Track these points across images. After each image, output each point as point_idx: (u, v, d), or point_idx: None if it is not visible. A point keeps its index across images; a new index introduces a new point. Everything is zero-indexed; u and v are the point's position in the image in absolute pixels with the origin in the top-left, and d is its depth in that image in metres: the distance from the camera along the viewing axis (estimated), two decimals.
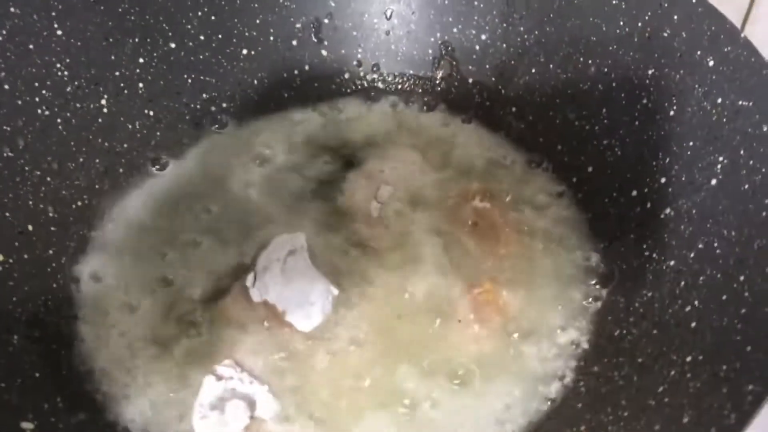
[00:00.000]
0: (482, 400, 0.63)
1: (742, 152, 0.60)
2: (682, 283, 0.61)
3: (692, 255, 0.61)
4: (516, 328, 0.67)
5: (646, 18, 0.70)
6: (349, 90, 0.88)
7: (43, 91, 0.72)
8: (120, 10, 0.77)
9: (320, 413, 0.62)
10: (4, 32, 0.69)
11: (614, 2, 0.72)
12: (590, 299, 0.69)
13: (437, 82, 0.86)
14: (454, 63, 0.85)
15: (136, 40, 0.79)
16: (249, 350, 0.65)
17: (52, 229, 0.71)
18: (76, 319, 0.69)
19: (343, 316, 0.67)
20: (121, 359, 0.66)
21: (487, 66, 0.83)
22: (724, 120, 0.62)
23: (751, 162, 0.59)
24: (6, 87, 0.69)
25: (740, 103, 0.61)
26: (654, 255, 0.66)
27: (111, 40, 0.77)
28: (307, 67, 0.87)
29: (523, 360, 0.65)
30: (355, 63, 0.87)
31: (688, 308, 0.59)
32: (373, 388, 0.63)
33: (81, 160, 0.75)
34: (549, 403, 0.63)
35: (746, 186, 0.59)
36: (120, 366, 0.65)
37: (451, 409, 0.63)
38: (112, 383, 0.64)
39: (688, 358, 0.54)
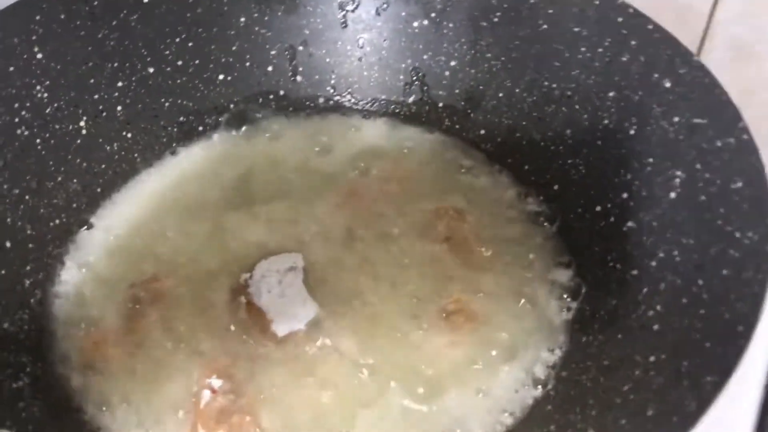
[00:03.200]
0: (454, 403, 0.64)
1: (698, 166, 0.63)
2: (645, 289, 0.63)
3: (654, 264, 0.64)
4: (486, 338, 0.68)
5: (606, 44, 0.74)
6: (323, 114, 0.90)
7: (23, 112, 0.73)
8: (100, 35, 0.78)
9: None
10: None
11: (575, 29, 0.76)
12: (559, 310, 0.71)
13: (408, 106, 0.89)
14: (425, 88, 0.88)
15: (116, 64, 0.80)
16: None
17: (30, 246, 0.72)
18: (53, 334, 0.69)
19: (320, 327, 0.68)
20: (99, 372, 0.66)
21: (457, 90, 0.86)
22: (681, 137, 0.66)
23: (707, 175, 0.62)
24: None
25: (695, 120, 0.65)
26: (618, 266, 0.68)
27: (90, 64, 0.78)
28: (282, 92, 0.89)
29: (494, 367, 0.66)
30: (328, 88, 0.90)
31: (650, 313, 0.61)
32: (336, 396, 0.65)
33: (59, 179, 0.76)
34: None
35: (703, 197, 0.62)
36: (98, 379, 0.66)
37: (421, 415, 0.64)
38: (90, 396, 0.65)
39: (652, 358, 0.56)
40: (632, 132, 0.71)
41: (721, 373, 0.48)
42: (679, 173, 0.65)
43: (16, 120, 0.73)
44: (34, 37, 0.74)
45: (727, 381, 0.48)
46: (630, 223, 0.69)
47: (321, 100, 0.90)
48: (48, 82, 0.75)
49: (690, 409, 0.47)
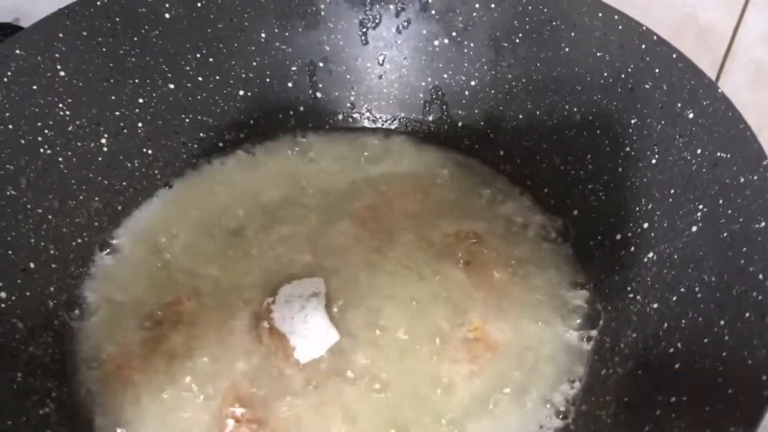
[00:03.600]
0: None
1: (720, 201, 0.63)
2: (665, 325, 0.64)
3: (674, 298, 0.64)
4: (506, 368, 0.69)
5: (629, 70, 0.73)
6: (342, 131, 0.90)
7: (46, 131, 0.73)
8: (121, 51, 0.79)
9: None
10: (9, 73, 0.70)
11: (598, 54, 0.76)
12: (579, 340, 0.71)
13: (428, 125, 0.89)
14: (444, 107, 0.88)
15: (136, 80, 0.80)
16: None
17: (53, 266, 0.73)
18: (76, 358, 0.70)
19: (342, 355, 0.69)
20: (120, 394, 0.67)
21: (476, 110, 0.86)
22: (704, 170, 0.66)
23: (729, 211, 0.62)
24: (10, 126, 0.70)
25: (718, 154, 0.65)
26: (638, 297, 0.69)
27: (112, 81, 0.79)
28: (302, 108, 0.89)
29: (513, 399, 0.67)
30: (348, 105, 0.90)
31: (671, 350, 0.61)
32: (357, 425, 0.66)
33: (81, 197, 0.77)
34: None
35: (725, 234, 0.62)
36: (120, 401, 0.66)
37: None
38: (113, 421, 0.66)
39: (673, 399, 0.57)
40: (654, 161, 0.71)
41: (747, 424, 0.49)
42: (701, 207, 0.65)
43: (39, 138, 0.73)
44: (57, 55, 0.74)
45: None
46: (650, 254, 0.69)
47: (340, 116, 0.90)
48: (70, 100, 0.75)
49: None
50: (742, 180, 0.62)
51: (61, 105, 0.75)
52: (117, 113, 0.80)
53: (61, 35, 0.74)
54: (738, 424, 0.49)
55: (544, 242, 0.78)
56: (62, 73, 0.75)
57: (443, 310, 0.72)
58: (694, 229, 0.65)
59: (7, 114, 0.70)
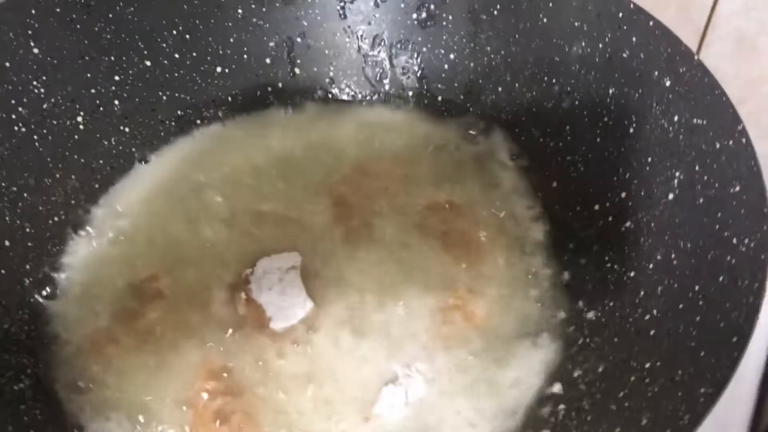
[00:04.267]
0: (449, 400, 0.65)
1: (696, 167, 0.63)
2: (642, 293, 0.64)
3: (651, 266, 0.64)
4: (482, 338, 0.69)
5: (606, 39, 0.73)
6: (321, 107, 0.89)
7: (20, 108, 0.73)
8: (96, 28, 0.78)
9: None
10: None
11: (576, 24, 0.75)
12: (556, 309, 0.71)
13: (407, 99, 0.89)
14: (424, 81, 0.87)
15: (112, 58, 0.80)
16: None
17: (29, 244, 0.72)
18: (52, 334, 0.70)
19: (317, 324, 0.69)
20: (95, 370, 0.67)
21: (456, 84, 0.86)
22: (681, 137, 0.65)
23: (705, 177, 0.62)
24: None
25: (695, 121, 0.64)
26: (615, 266, 0.68)
27: (87, 58, 0.78)
28: (280, 84, 0.88)
29: (491, 367, 0.67)
30: (327, 80, 0.89)
31: (647, 317, 0.61)
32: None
33: (57, 176, 0.76)
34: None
35: (701, 200, 0.62)
36: (98, 379, 0.66)
37: (419, 408, 0.65)
38: (90, 396, 0.65)
39: (647, 365, 0.57)
40: (631, 130, 0.71)
41: (715, 386, 0.48)
42: (677, 174, 0.65)
43: (13, 116, 0.72)
44: (30, 32, 0.73)
45: (720, 394, 0.48)
46: (628, 224, 0.69)
47: (319, 92, 0.90)
48: (44, 78, 0.75)
49: (683, 423, 0.48)
50: (718, 146, 0.62)
51: (35, 83, 0.74)
52: (93, 91, 0.79)
53: (33, 12, 0.73)
54: (708, 385, 0.49)
55: (522, 214, 0.78)
56: (36, 51, 0.74)
57: (419, 281, 0.72)
58: (671, 196, 0.65)
59: None
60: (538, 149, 0.80)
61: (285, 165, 0.82)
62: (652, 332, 0.60)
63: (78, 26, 0.77)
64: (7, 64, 0.72)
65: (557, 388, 0.64)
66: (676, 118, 0.66)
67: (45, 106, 0.75)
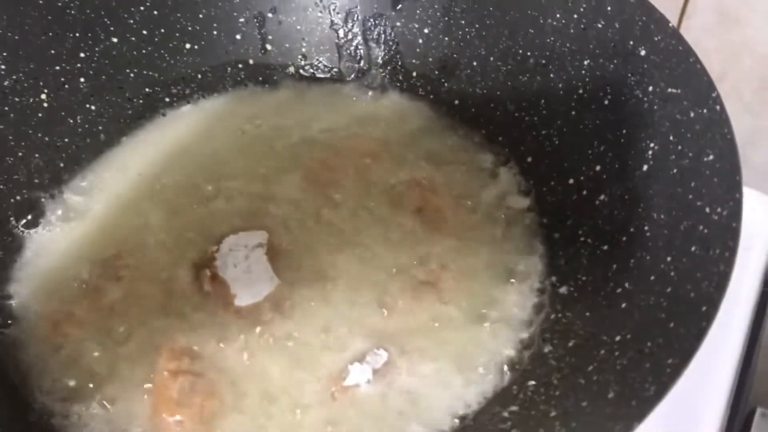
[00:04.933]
0: (419, 380, 0.64)
1: (671, 137, 0.62)
2: (615, 266, 0.62)
3: (624, 239, 0.63)
4: (454, 313, 0.67)
5: (581, 10, 0.71)
6: (293, 83, 0.88)
7: None
8: (59, 3, 0.76)
9: None
10: None
11: None
12: (528, 286, 0.69)
13: (381, 75, 0.87)
14: (398, 56, 0.85)
15: (77, 34, 0.78)
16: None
17: None
18: (12, 314, 0.68)
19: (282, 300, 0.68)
20: (56, 352, 0.65)
21: (431, 59, 0.84)
22: (655, 107, 0.64)
23: (680, 147, 0.61)
24: None
25: (669, 90, 0.63)
26: (589, 240, 0.67)
27: (51, 34, 0.76)
28: (251, 61, 0.87)
29: (459, 341, 0.65)
30: (299, 57, 0.87)
31: (619, 290, 0.60)
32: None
33: (20, 154, 0.74)
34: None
35: (674, 170, 0.60)
36: (58, 360, 0.65)
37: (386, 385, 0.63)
38: (49, 378, 0.64)
39: (617, 338, 0.55)
40: (606, 102, 0.69)
41: (682, 356, 0.47)
42: (652, 145, 0.64)
43: None
44: None
45: (687, 364, 0.46)
46: (602, 197, 0.68)
47: (292, 69, 0.88)
48: (5, 54, 0.73)
49: (648, 394, 0.46)
50: (692, 114, 0.60)
51: None
52: (57, 68, 0.77)
53: None
54: (675, 356, 0.48)
55: (498, 190, 0.76)
56: None
57: (391, 256, 0.70)
58: (645, 168, 0.64)
59: None
60: (512, 124, 0.78)
61: (255, 142, 0.81)
62: (623, 305, 0.58)
63: (41, 1, 0.75)
64: None
65: (526, 364, 0.63)
66: (650, 88, 0.65)
67: (6, 83, 0.73)
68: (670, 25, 0.65)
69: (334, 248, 0.71)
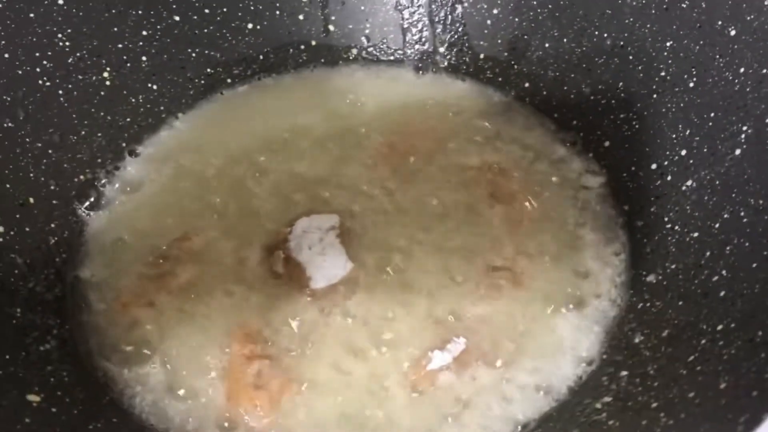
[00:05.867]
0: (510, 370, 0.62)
1: (767, 121, 0.59)
2: (708, 253, 0.60)
3: (717, 225, 0.60)
4: (532, 301, 0.65)
5: None
6: (357, 66, 0.86)
7: (44, 62, 0.70)
8: None
9: None
10: (4, 0, 0.66)
11: None
12: (612, 274, 0.67)
13: (448, 57, 0.84)
14: (465, 37, 0.83)
15: (140, 12, 0.76)
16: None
17: (54, 202, 0.69)
18: (79, 295, 0.67)
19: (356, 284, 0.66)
20: (125, 333, 0.64)
21: (499, 41, 0.82)
22: (748, 89, 0.61)
23: None
24: (6, 56, 0.66)
25: (764, 71, 0.60)
26: (677, 227, 0.64)
27: (114, 11, 0.74)
28: (313, 42, 0.85)
29: (546, 331, 0.63)
30: (363, 38, 0.85)
31: (715, 278, 0.57)
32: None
33: (83, 133, 0.73)
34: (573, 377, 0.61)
35: None
36: (125, 340, 0.63)
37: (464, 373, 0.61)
38: (118, 360, 0.62)
39: (719, 327, 0.53)
40: (692, 84, 0.66)
41: None
42: (745, 129, 0.61)
43: (38, 70, 0.69)
44: None
45: None
46: (689, 182, 0.65)
47: (355, 50, 0.86)
48: (70, 30, 0.71)
49: None
50: None
51: (60, 35, 0.71)
52: (119, 46, 0.76)
53: None
54: None
55: (573, 176, 0.74)
56: (61, 2, 0.70)
57: (462, 242, 0.68)
58: (738, 152, 0.61)
59: (3, 42, 0.66)
60: (587, 107, 0.75)
61: (322, 125, 0.79)
62: (722, 294, 0.55)
63: None
64: (32, 15, 0.69)
65: (616, 354, 0.60)
66: (742, 69, 0.62)
67: (70, 60, 0.72)
68: (765, 2, 0.62)
69: (406, 233, 0.69)
